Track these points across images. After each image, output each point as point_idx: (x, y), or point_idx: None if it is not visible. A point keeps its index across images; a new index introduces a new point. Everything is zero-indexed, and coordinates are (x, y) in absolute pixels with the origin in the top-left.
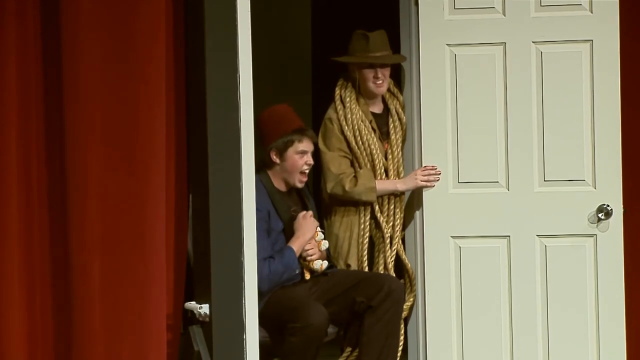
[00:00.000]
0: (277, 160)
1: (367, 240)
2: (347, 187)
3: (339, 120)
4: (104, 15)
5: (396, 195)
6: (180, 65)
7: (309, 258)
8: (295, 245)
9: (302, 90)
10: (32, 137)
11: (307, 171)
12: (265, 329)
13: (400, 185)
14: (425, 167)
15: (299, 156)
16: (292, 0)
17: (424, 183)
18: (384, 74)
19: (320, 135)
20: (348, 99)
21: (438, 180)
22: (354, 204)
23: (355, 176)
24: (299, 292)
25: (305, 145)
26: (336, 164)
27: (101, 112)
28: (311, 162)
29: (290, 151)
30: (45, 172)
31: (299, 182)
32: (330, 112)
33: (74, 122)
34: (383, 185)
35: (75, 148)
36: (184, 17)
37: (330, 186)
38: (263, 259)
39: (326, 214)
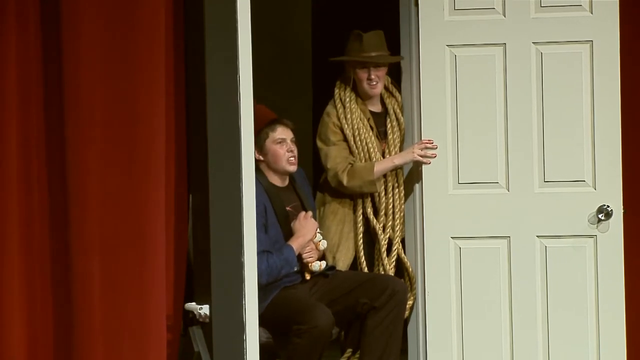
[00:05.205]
0: (260, 157)
1: (361, 237)
2: (345, 183)
3: (338, 117)
4: (104, 15)
5: (394, 194)
6: (180, 65)
7: (306, 260)
8: (295, 244)
9: (302, 90)
10: (33, 136)
11: (292, 159)
12: (269, 330)
13: (397, 159)
14: (422, 141)
15: (279, 145)
16: (292, 0)
17: (420, 158)
18: (378, 75)
19: (318, 132)
20: (347, 99)
21: (435, 156)
22: (350, 197)
23: (353, 165)
24: (302, 293)
25: (280, 132)
26: (332, 157)
27: (101, 112)
28: (293, 148)
29: (268, 143)
30: (46, 172)
31: (289, 165)
32: (329, 108)
33: (74, 121)
34: (381, 166)
35: (76, 148)
36: (184, 17)
37: (331, 182)
38: (261, 252)
39: (320, 205)
